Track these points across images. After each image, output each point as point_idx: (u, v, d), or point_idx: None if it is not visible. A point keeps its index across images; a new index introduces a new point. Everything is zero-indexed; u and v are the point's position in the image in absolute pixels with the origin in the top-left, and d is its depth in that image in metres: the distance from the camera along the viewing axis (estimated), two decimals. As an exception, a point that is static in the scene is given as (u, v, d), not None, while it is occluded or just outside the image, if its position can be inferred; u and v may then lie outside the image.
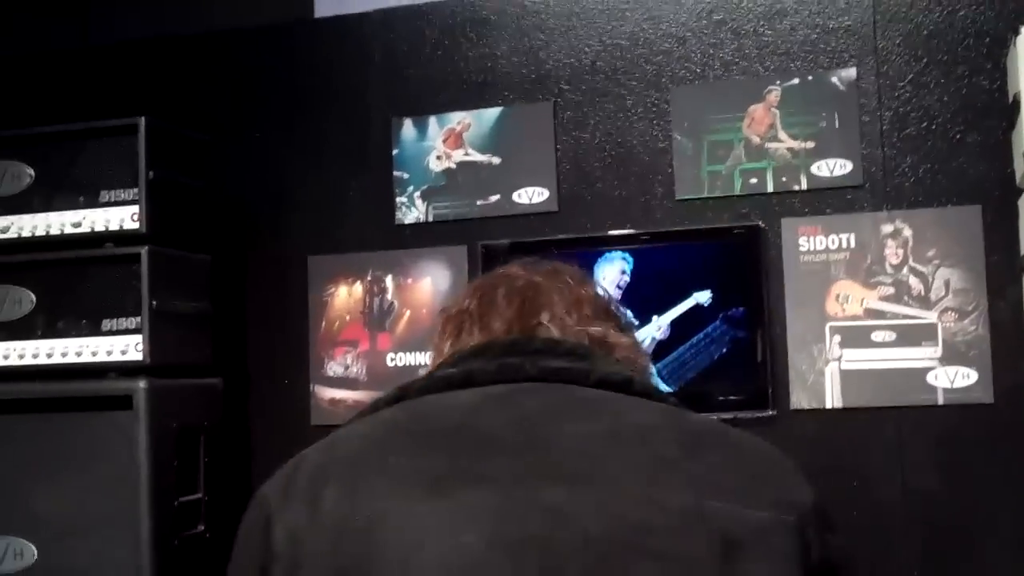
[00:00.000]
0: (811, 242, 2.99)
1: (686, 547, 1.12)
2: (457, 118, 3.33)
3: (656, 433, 1.22)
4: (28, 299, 3.02)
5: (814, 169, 3.01)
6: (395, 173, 3.36)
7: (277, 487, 1.25)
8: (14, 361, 3.00)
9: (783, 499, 1.18)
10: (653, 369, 1.54)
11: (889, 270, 2.94)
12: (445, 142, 3.33)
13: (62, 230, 3.02)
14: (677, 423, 1.26)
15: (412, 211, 3.33)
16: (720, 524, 1.13)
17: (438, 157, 3.33)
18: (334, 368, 3.34)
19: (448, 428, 1.24)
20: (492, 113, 3.31)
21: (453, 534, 1.13)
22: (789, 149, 3.04)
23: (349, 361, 3.33)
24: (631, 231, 3.10)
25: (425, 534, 1.13)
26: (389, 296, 3.32)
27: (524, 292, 1.47)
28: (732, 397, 2.99)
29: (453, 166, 3.31)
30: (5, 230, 3.04)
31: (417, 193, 3.32)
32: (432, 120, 3.35)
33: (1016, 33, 2.59)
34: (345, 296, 3.37)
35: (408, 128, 3.36)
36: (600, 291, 1.53)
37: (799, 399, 2.98)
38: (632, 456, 1.18)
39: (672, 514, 1.13)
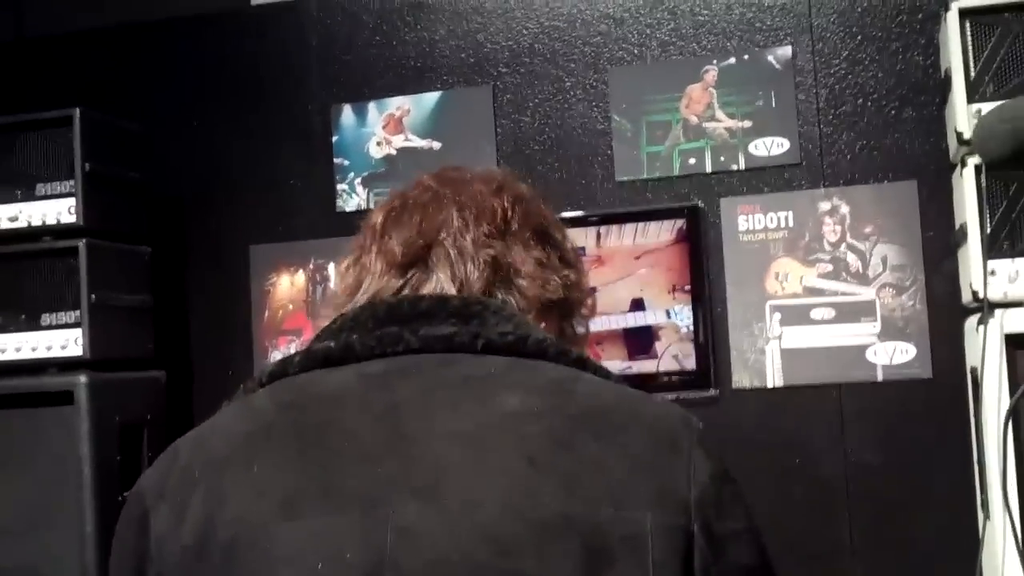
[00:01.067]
0: (750, 221, 3.01)
1: (544, 566, 1.05)
2: (396, 104, 3.32)
3: (531, 423, 1.14)
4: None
5: (751, 148, 3.03)
6: (335, 160, 3.35)
7: (153, 484, 1.21)
8: (-48, 358, 2.97)
9: (666, 493, 1.10)
10: (574, 289, 1.39)
11: (827, 247, 2.96)
12: (385, 128, 3.32)
13: (-2, 224, 2.99)
14: (560, 404, 1.17)
15: (353, 198, 3.32)
16: (589, 533, 1.06)
17: (378, 143, 3.32)
18: (278, 357, 3.32)
19: (314, 426, 1.18)
20: (431, 98, 3.30)
21: (304, 562, 1.08)
22: (727, 128, 3.05)
23: (293, 350, 3.31)
24: (573, 213, 3.10)
25: (278, 561, 1.09)
26: (332, 284, 3.31)
27: (425, 207, 1.37)
28: (674, 377, 3.00)
29: (394, 152, 3.30)
30: (-60, 225, 3.02)
31: (358, 180, 3.31)
32: (371, 106, 3.34)
33: (947, 10, 2.60)
34: (288, 285, 3.35)
35: (347, 114, 3.35)
36: (517, 199, 1.41)
37: (741, 378, 3.00)
38: (498, 458, 1.11)
39: (533, 526, 1.06)
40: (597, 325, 2.98)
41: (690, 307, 3.01)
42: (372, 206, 3.27)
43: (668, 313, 3.03)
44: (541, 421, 1.14)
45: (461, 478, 1.10)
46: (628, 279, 3.04)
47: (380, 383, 1.21)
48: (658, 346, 3.03)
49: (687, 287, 3.02)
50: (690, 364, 3.01)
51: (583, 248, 2.97)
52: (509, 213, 1.38)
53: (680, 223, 3.02)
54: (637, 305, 3.05)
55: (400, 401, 1.18)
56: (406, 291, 1.32)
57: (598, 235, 3.05)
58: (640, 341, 3.05)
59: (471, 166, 1.49)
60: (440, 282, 1.32)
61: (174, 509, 1.16)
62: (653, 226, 3.05)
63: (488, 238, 1.34)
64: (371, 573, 1.07)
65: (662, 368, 3.02)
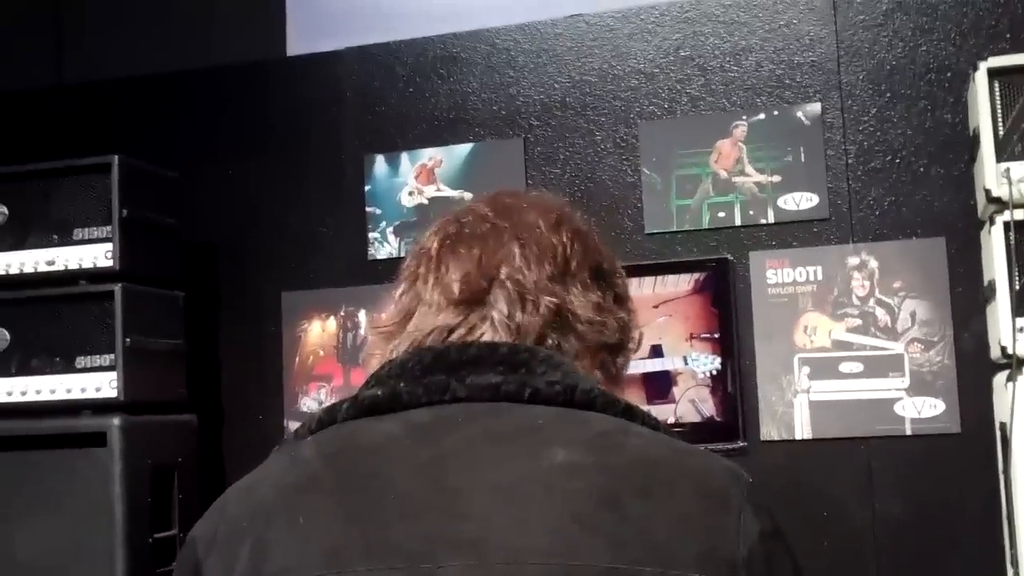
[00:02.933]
0: (779, 275, 3.03)
1: None
2: (429, 154, 3.36)
3: (577, 478, 1.12)
4: (2, 337, 3.02)
5: (781, 203, 3.06)
6: (367, 209, 3.39)
7: (205, 532, 1.21)
8: (-12, 399, 3.00)
9: (714, 552, 1.08)
10: (628, 330, 1.40)
11: (856, 302, 2.98)
12: (417, 178, 3.36)
13: (36, 268, 3.03)
14: (607, 459, 1.14)
15: (385, 246, 3.35)
16: None
17: (410, 193, 3.36)
18: (308, 403, 3.35)
19: (358, 478, 1.17)
20: (463, 149, 3.34)
21: None
22: (756, 183, 3.08)
23: (323, 396, 3.35)
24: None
25: None
26: (362, 331, 3.33)
27: (485, 240, 1.34)
28: (698, 425, 3.01)
29: (425, 202, 3.33)
30: (-22, 268, 3.06)
31: (390, 229, 3.35)
32: (404, 156, 3.38)
33: (975, 69, 2.64)
34: (319, 331, 3.38)
35: (380, 164, 3.39)
36: (575, 235, 1.37)
37: (769, 430, 3.01)
38: (542, 514, 1.09)
39: None
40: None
41: (707, 354, 3.03)
42: (403, 255, 3.31)
43: (685, 360, 3.05)
44: (587, 476, 1.12)
45: (505, 534, 1.08)
46: (646, 327, 3.05)
47: (426, 433, 1.20)
48: (675, 391, 3.05)
49: (704, 335, 3.04)
50: (707, 409, 3.03)
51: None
52: (568, 251, 1.35)
53: (698, 275, 3.05)
54: (655, 351, 3.07)
55: (446, 453, 1.16)
56: (461, 330, 1.30)
57: (616, 285, 3.07)
58: (658, 386, 3.07)
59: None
60: (496, 325, 1.29)
61: (224, 560, 1.16)
62: (672, 277, 3.07)
63: (550, 281, 1.32)
64: None
65: (679, 412, 3.04)
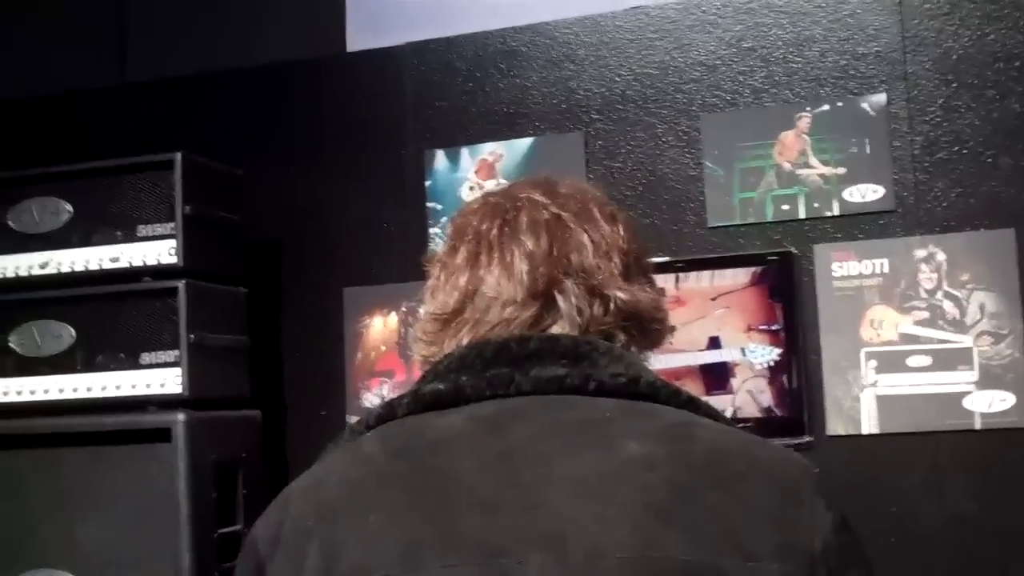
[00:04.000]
0: (844, 268, 2.99)
1: None
2: (489, 149, 3.36)
3: (651, 471, 1.11)
4: (68, 334, 3.05)
5: (846, 195, 3.02)
6: (428, 204, 3.39)
7: (267, 533, 1.21)
8: (55, 396, 3.03)
9: (790, 544, 1.08)
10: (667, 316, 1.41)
11: (923, 295, 2.94)
12: (477, 173, 3.36)
13: (100, 265, 3.05)
14: (679, 451, 1.14)
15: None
16: None
17: (471, 188, 3.35)
18: (370, 398, 3.36)
19: (427, 474, 1.16)
20: (523, 143, 3.33)
21: None
22: (820, 175, 3.05)
23: (385, 391, 3.35)
24: (664, 259, 3.11)
25: None
26: (421, 324, 3.33)
27: (552, 229, 1.33)
28: (768, 424, 2.99)
29: (484, 196, 3.32)
30: (44, 265, 3.08)
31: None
32: (464, 151, 3.37)
33: (1046, 56, 2.60)
34: (380, 327, 3.39)
35: (440, 159, 3.39)
36: (627, 229, 1.38)
37: (835, 425, 2.97)
38: (620, 507, 1.09)
39: None
40: (676, 361, 2.98)
41: (765, 346, 3.00)
42: (464, 250, 3.31)
43: (743, 351, 3.02)
44: (662, 469, 1.12)
45: (583, 528, 1.07)
46: (705, 319, 3.04)
47: (492, 427, 1.19)
48: (733, 382, 3.02)
49: (763, 327, 3.01)
50: (765, 400, 3.00)
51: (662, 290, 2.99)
52: (628, 245, 1.36)
53: (758, 268, 3.02)
54: (713, 343, 3.04)
55: (514, 446, 1.16)
56: (529, 324, 1.29)
57: (676, 278, 3.06)
58: (716, 377, 3.04)
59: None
60: (566, 320, 1.29)
61: (291, 560, 1.16)
62: (730, 270, 3.05)
63: (620, 277, 1.32)
64: None
65: (738, 402, 3.01)
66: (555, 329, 1.29)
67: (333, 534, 1.15)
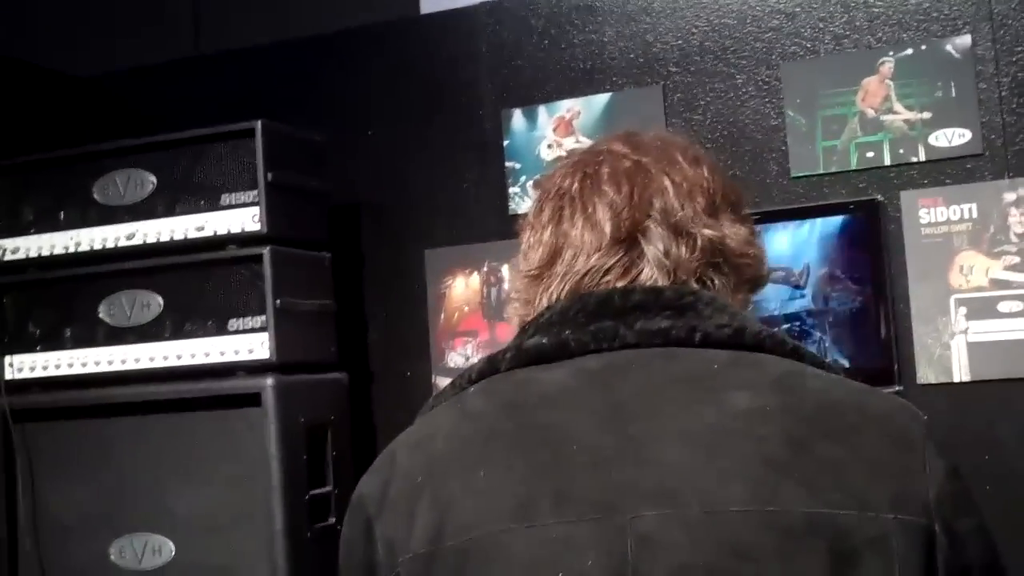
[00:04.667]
0: (932, 214, 2.95)
1: (791, 572, 1.03)
2: (566, 106, 3.34)
3: (764, 423, 1.11)
4: (156, 303, 3.09)
5: (932, 140, 2.96)
6: (507, 164, 3.38)
7: (374, 490, 1.21)
8: (145, 364, 3.07)
9: (906, 493, 1.08)
10: (765, 263, 1.42)
11: (1014, 239, 2.88)
12: (555, 130, 3.34)
13: (186, 234, 3.08)
14: (790, 402, 1.13)
15: (525, 200, 3.34)
16: (834, 537, 1.04)
17: (549, 146, 3.34)
18: (455, 359, 3.37)
19: (537, 429, 1.15)
20: (601, 99, 3.31)
21: (542, 570, 1.06)
22: (905, 121, 2.99)
23: (470, 352, 3.36)
24: (748, 211, 3.07)
25: (516, 567, 1.07)
26: (506, 286, 3.33)
27: (632, 176, 1.33)
28: (857, 374, 2.95)
29: (564, 154, 3.31)
30: (131, 236, 3.12)
31: (530, 183, 3.34)
32: (541, 109, 3.36)
33: None
34: (463, 288, 3.40)
35: (518, 118, 3.38)
36: (712, 170, 1.38)
37: (926, 374, 2.93)
38: (735, 460, 1.08)
39: (777, 531, 1.04)
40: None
41: (848, 294, 2.96)
42: (544, 208, 3.31)
43: (825, 300, 3.00)
44: (774, 421, 1.11)
45: (698, 483, 1.07)
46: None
47: (600, 381, 1.18)
48: (816, 332, 3.00)
49: (848, 275, 2.97)
50: (848, 350, 2.97)
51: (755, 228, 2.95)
52: (713, 186, 1.34)
53: (842, 216, 2.98)
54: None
55: (623, 400, 1.15)
56: (617, 269, 1.28)
57: (759, 229, 3.02)
58: (799, 326, 3.01)
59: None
60: (652, 262, 1.27)
61: (400, 516, 1.16)
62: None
63: (705, 215, 1.31)
64: None
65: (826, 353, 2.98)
66: (645, 273, 1.29)
67: (443, 490, 1.15)
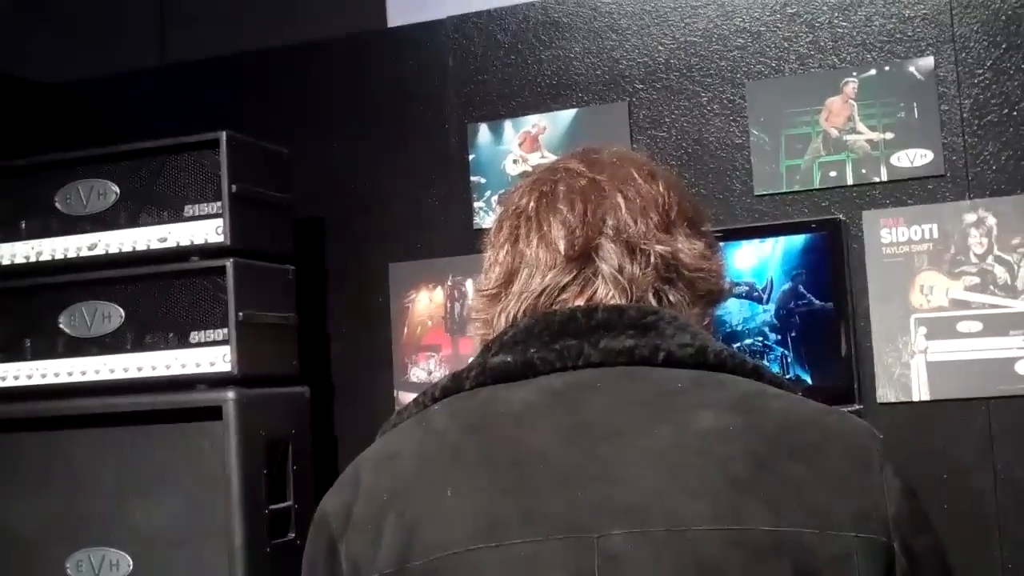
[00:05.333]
0: (893, 234, 2.97)
1: None
2: (532, 121, 3.34)
3: (728, 442, 1.12)
4: (117, 314, 3.07)
5: (894, 160, 2.99)
6: (472, 178, 3.38)
7: (339, 509, 1.21)
8: (105, 376, 3.04)
9: (867, 510, 1.10)
10: (723, 278, 1.41)
11: (974, 260, 2.90)
12: (521, 145, 3.34)
13: (148, 245, 3.06)
14: (753, 421, 1.14)
15: (490, 215, 3.34)
16: (798, 555, 1.05)
17: (514, 161, 3.35)
18: (417, 373, 3.36)
19: (503, 448, 1.16)
20: (567, 115, 3.31)
21: None
22: (868, 140, 3.01)
23: (432, 366, 3.35)
24: (707, 226, 3.07)
25: None
26: (470, 301, 3.33)
27: (587, 194, 1.33)
28: (818, 392, 2.97)
29: (530, 169, 3.31)
30: (93, 247, 3.10)
31: (495, 197, 3.34)
32: (507, 124, 3.36)
33: (1098, 15, 2.56)
34: (426, 302, 3.39)
35: (484, 133, 3.38)
36: (669, 186, 1.38)
37: (886, 392, 2.95)
38: (700, 479, 1.09)
39: (742, 550, 1.05)
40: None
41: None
42: (509, 223, 3.31)
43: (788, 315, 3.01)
44: (738, 440, 1.12)
45: (665, 502, 1.08)
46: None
47: (565, 400, 1.19)
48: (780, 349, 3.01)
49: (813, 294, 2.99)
50: (815, 368, 2.98)
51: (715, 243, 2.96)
52: (668, 202, 1.35)
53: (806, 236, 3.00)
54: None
55: (589, 419, 1.16)
56: (573, 288, 1.29)
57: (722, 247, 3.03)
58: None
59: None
60: (606, 279, 1.28)
61: (365, 535, 1.16)
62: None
63: (658, 230, 1.31)
64: None
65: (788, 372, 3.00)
66: (600, 291, 1.29)
67: (410, 509, 1.15)
